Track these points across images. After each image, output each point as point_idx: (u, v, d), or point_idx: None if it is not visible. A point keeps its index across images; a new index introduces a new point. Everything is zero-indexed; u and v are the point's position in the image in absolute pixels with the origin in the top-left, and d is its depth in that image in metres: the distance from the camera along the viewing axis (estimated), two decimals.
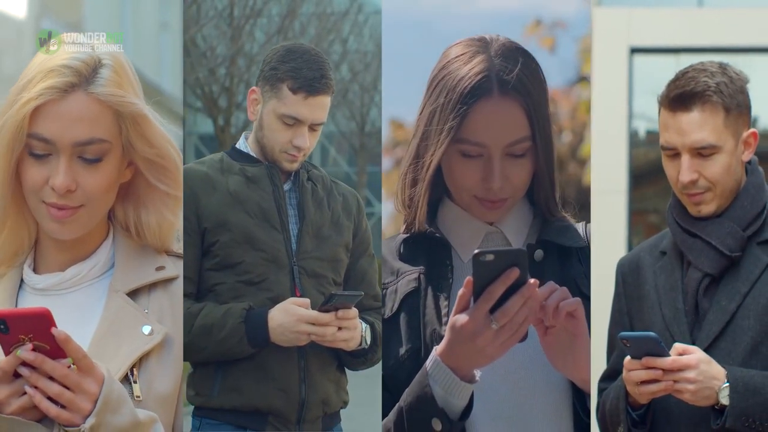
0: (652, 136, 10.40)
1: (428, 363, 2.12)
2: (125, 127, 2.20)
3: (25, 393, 2.04)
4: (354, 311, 2.81)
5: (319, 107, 2.90)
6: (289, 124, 2.89)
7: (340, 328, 2.80)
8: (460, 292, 2.06)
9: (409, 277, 2.29)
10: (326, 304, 2.78)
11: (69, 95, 2.16)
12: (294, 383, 2.85)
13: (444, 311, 2.23)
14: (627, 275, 2.69)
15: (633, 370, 2.37)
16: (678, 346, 2.39)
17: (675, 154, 2.56)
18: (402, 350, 2.25)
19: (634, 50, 9.88)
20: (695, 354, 2.38)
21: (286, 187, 2.94)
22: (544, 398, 2.23)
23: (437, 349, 2.11)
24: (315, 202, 2.94)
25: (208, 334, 2.80)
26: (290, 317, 2.78)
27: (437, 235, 2.29)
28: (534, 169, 2.25)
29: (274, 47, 2.97)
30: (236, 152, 2.97)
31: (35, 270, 2.28)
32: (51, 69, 2.17)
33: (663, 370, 2.35)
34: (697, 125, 2.51)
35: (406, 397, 2.15)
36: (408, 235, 2.33)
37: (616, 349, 2.64)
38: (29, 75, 2.19)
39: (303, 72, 2.88)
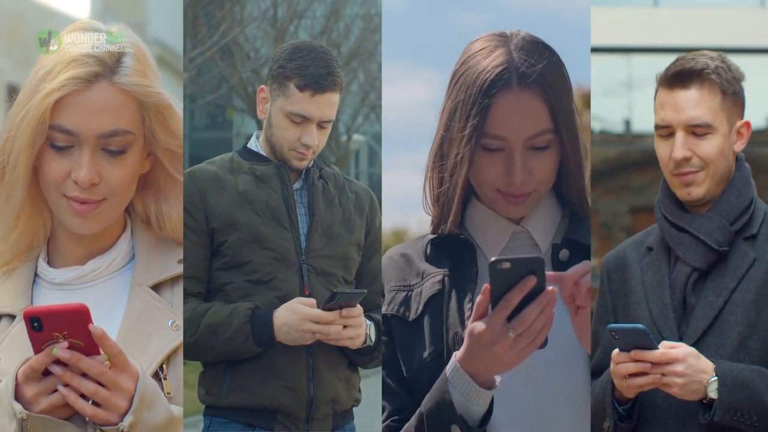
0: (606, 135, 10.35)
1: (448, 369, 2.09)
2: (148, 118, 2.15)
3: (54, 391, 1.99)
4: (358, 309, 2.80)
5: (326, 104, 2.89)
6: (297, 122, 2.88)
7: (345, 327, 2.79)
8: (478, 299, 2.03)
9: (433, 279, 2.26)
10: (330, 302, 2.77)
11: (93, 85, 2.11)
12: (302, 381, 2.84)
13: (467, 314, 2.19)
14: (612, 271, 2.67)
15: (621, 363, 2.35)
16: (665, 344, 2.37)
17: (669, 133, 2.54)
18: (425, 353, 2.22)
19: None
20: (683, 348, 2.36)
21: (297, 185, 2.93)
22: (567, 401, 2.20)
23: (457, 355, 2.08)
24: (326, 200, 2.93)
25: (214, 334, 2.80)
26: (295, 316, 2.77)
27: (462, 236, 2.26)
28: (560, 162, 2.22)
29: (282, 45, 2.96)
30: (247, 151, 2.96)
31: (49, 264, 2.24)
32: (73, 59, 2.11)
33: (651, 363, 2.33)
34: (694, 102, 2.51)
35: (427, 402, 2.12)
36: (435, 236, 2.30)
37: (600, 345, 2.61)
38: (48, 65, 2.13)
39: (310, 69, 2.87)
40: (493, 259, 1.99)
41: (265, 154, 2.93)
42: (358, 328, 2.81)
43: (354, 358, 2.90)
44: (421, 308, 2.25)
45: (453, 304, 2.22)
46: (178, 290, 2.23)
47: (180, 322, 2.17)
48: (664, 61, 2.60)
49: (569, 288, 2.08)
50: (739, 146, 2.58)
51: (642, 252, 2.64)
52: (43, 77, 2.12)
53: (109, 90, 2.12)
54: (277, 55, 2.93)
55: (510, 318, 2.01)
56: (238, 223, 2.86)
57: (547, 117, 2.17)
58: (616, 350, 2.36)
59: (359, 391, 2.96)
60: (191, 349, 2.82)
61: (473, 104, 2.16)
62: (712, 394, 2.35)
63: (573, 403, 2.20)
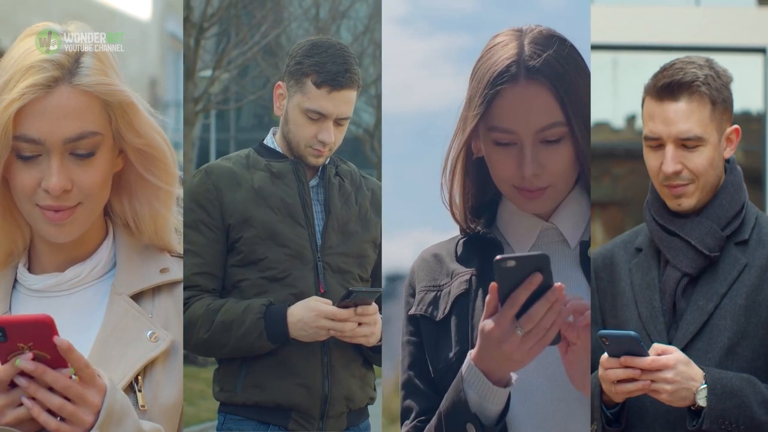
0: None
1: (464, 367, 2.10)
2: (114, 117, 2.09)
3: (21, 404, 1.93)
4: (374, 307, 2.79)
5: (343, 102, 2.88)
6: (313, 118, 2.87)
7: (360, 324, 2.78)
8: (487, 298, 2.03)
9: (461, 278, 2.26)
10: (344, 299, 2.76)
11: (53, 90, 2.04)
12: (317, 379, 2.83)
13: None
14: (600, 271, 2.65)
15: (610, 369, 2.33)
16: (657, 346, 2.36)
17: (659, 145, 2.53)
18: (451, 353, 2.21)
19: None
20: (673, 354, 2.34)
21: (313, 182, 2.92)
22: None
23: (471, 354, 2.08)
24: (342, 197, 2.92)
25: (228, 331, 2.80)
26: (309, 312, 2.77)
27: (490, 235, 2.25)
28: (577, 156, 2.19)
29: (299, 42, 2.96)
30: (263, 148, 2.96)
31: (30, 270, 2.19)
32: (30, 65, 2.05)
33: (641, 369, 2.31)
34: (684, 115, 2.49)
35: (445, 401, 2.13)
36: (466, 235, 2.29)
37: None
38: (6, 75, 2.06)
39: (327, 66, 2.86)
40: (498, 257, 1.98)
41: (281, 151, 2.93)
42: (373, 326, 2.80)
43: (369, 356, 2.89)
44: (448, 308, 2.24)
45: (479, 303, 2.21)
46: (160, 300, 2.18)
47: (159, 333, 2.11)
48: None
49: (563, 316, 2.05)
50: (729, 152, 2.57)
51: (631, 252, 2.63)
52: (2, 88, 2.06)
53: (71, 93, 2.06)
54: (294, 52, 2.93)
55: (519, 315, 2.00)
56: (253, 220, 2.85)
57: (557, 109, 2.15)
58: (605, 355, 2.34)
59: (374, 389, 2.95)
60: (205, 345, 2.82)
61: (480, 96, 2.15)
62: (701, 401, 2.34)
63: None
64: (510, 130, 2.15)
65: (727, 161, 2.59)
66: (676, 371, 2.32)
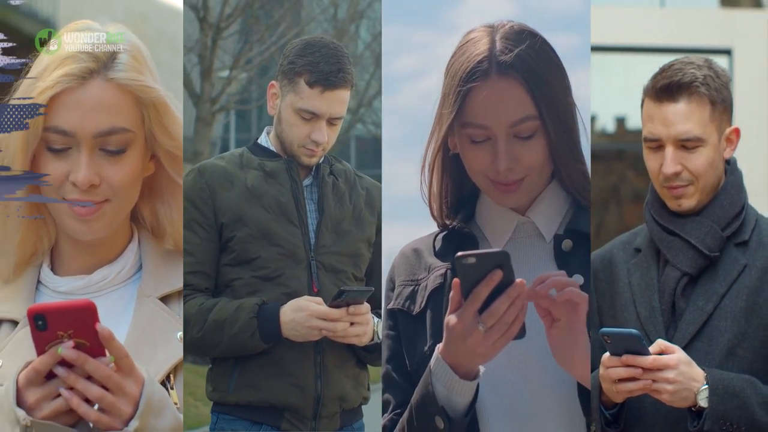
0: None
1: (432, 361, 2.12)
2: (147, 116, 2.09)
3: (57, 396, 1.92)
4: (366, 306, 2.78)
5: (336, 101, 2.87)
6: (306, 118, 2.87)
7: (352, 324, 2.77)
8: (451, 293, 2.05)
9: (436, 273, 2.29)
10: (336, 299, 2.75)
11: (87, 82, 2.05)
12: (310, 379, 2.83)
13: None
14: (599, 271, 2.64)
15: (611, 367, 2.32)
16: (660, 342, 2.34)
17: (658, 146, 2.53)
18: (425, 347, 2.25)
19: None
20: (676, 354, 2.33)
21: (307, 181, 2.92)
22: (560, 390, 2.20)
23: (439, 347, 2.10)
24: (336, 196, 2.92)
25: (221, 330, 2.79)
26: (301, 312, 2.76)
27: (465, 229, 2.28)
28: (550, 150, 2.21)
29: (293, 41, 2.95)
30: (257, 147, 2.95)
31: (53, 272, 2.18)
32: (67, 56, 2.06)
33: (642, 368, 2.29)
34: (683, 116, 2.48)
35: (415, 394, 2.15)
36: (445, 230, 2.32)
37: None
38: (43, 64, 2.07)
39: (320, 66, 2.85)
40: (458, 253, 2.01)
41: (275, 150, 2.93)
42: (365, 326, 2.80)
43: (362, 356, 2.89)
44: (424, 302, 2.28)
45: None
46: None
47: None
48: None
49: (542, 302, 2.07)
50: (729, 153, 2.56)
51: (629, 253, 2.62)
52: (38, 77, 2.07)
53: (104, 86, 2.06)
54: (288, 51, 2.92)
55: (482, 311, 2.02)
56: (246, 219, 2.85)
57: (529, 103, 2.17)
58: (606, 354, 2.33)
59: (368, 389, 2.94)
60: (198, 344, 2.82)
61: (454, 93, 2.17)
62: (703, 402, 2.33)
63: (564, 393, 2.19)
64: (483, 125, 2.17)
65: (728, 162, 2.58)
66: (677, 371, 2.31)
